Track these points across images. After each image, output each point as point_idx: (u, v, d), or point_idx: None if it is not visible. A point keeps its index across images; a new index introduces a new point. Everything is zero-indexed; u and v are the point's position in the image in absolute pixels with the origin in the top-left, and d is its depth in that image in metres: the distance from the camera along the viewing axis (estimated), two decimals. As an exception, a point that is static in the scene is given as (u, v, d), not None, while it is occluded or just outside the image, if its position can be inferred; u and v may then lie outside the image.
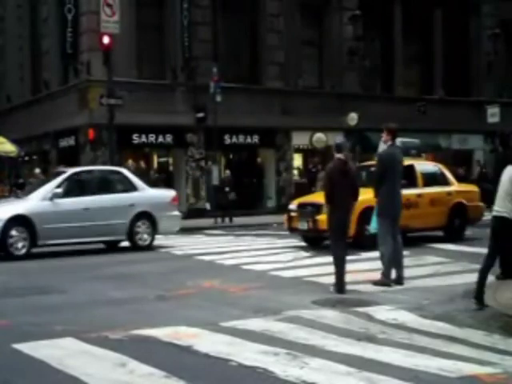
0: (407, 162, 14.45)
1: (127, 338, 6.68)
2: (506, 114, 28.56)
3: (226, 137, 26.81)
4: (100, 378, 5.38)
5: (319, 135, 28.13)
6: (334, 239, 9.54)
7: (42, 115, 28.23)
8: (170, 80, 26.00)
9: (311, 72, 29.70)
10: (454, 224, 15.17)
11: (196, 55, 25.95)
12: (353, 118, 26.86)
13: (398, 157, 9.95)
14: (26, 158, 29.06)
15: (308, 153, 28.89)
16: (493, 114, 28.94)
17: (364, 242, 13.17)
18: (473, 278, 9.85)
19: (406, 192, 13.05)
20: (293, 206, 15.08)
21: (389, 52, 31.32)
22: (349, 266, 11.29)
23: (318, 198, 14.28)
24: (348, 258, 12.48)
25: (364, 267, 11.12)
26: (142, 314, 8.09)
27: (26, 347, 6.24)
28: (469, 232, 15.93)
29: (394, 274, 9.71)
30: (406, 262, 10.07)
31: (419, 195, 14.47)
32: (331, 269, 10.98)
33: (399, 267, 9.74)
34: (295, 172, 29.33)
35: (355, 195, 9.49)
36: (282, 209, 21.93)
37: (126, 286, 10.25)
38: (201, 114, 25.59)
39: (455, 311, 7.76)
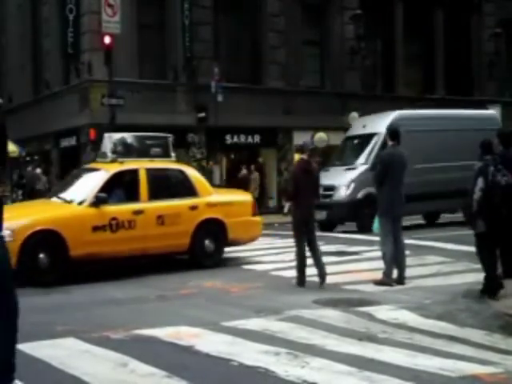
0: (132, 165, 11.74)
1: (128, 338, 6.69)
2: (507, 114, 28.54)
3: (228, 137, 26.83)
4: (101, 377, 5.38)
5: (320, 135, 28.12)
6: (297, 235, 9.98)
7: (43, 115, 28.26)
8: (171, 80, 26.01)
9: (312, 72, 29.71)
10: (203, 246, 11.79)
11: (197, 55, 25.95)
12: (354, 118, 26.81)
13: (398, 157, 9.94)
14: (28, 158, 29.10)
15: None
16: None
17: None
18: (474, 277, 9.88)
19: (115, 208, 10.92)
20: None
21: (390, 51, 31.30)
22: (350, 266, 11.35)
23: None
24: (349, 258, 12.59)
25: (365, 267, 11.12)
26: (143, 313, 8.10)
27: (26, 347, 6.23)
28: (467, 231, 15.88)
29: (395, 273, 9.71)
30: (408, 261, 10.06)
31: (138, 212, 11.11)
32: (332, 269, 11.01)
33: (401, 267, 9.74)
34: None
35: (317, 193, 10.19)
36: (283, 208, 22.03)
37: (127, 285, 10.26)
38: (202, 114, 25.61)
39: (456, 311, 7.75)
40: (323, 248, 13.63)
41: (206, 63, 25.55)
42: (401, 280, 9.67)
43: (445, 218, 20.31)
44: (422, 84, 32.67)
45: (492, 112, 22.02)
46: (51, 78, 28.47)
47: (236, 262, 12.42)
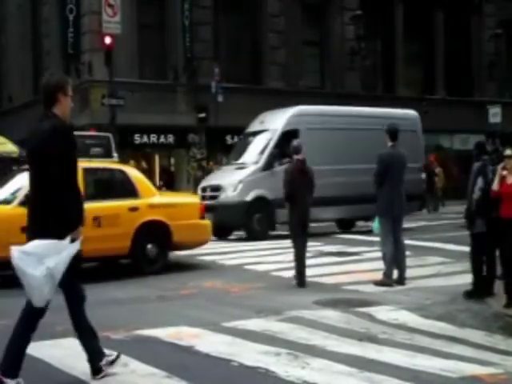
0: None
1: (129, 338, 6.69)
2: (507, 114, 28.58)
3: (228, 137, 26.84)
4: (101, 377, 5.38)
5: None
6: (294, 236, 10.08)
7: (43, 115, 28.27)
8: (171, 80, 26.03)
9: (312, 72, 29.73)
10: (145, 250, 11.15)
11: (197, 55, 25.98)
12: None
13: (398, 157, 9.95)
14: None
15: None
16: (494, 114, 28.97)
17: None
18: (474, 278, 9.88)
19: None
20: None
21: (390, 52, 31.32)
22: (350, 266, 11.35)
23: None
24: (349, 258, 12.57)
25: (365, 267, 11.11)
26: (144, 314, 8.10)
27: (27, 347, 6.24)
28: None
29: (395, 274, 9.71)
30: (408, 262, 10.06)
31: None
32: (333, 269, 11.03)
33: (401, 267, 9.74)
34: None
35: (312, 194, 10.12)
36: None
37: (128, 285, 10.25)
38: (202, 114, 25.64)
39: (456, 311, 7.75)
40: (323, 248, 13.69)
41: (206, 63, 25.57)
42: (401, 280, 9.67)
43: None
44: (422, 84, 32.69)
45: (410, 112, 20.05)
46: (51, 78, 28.46)
47: (236, 262, 12.41)
